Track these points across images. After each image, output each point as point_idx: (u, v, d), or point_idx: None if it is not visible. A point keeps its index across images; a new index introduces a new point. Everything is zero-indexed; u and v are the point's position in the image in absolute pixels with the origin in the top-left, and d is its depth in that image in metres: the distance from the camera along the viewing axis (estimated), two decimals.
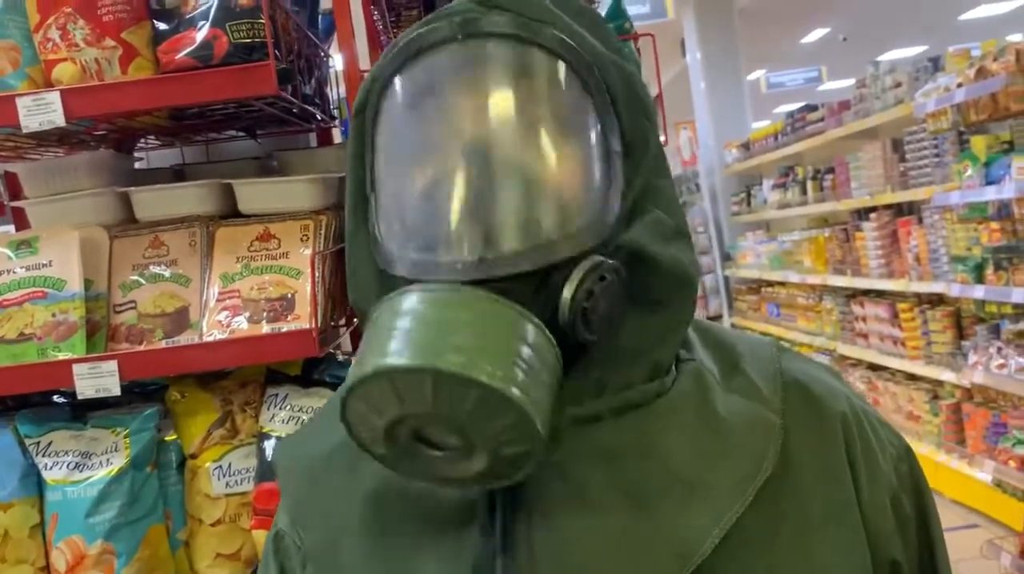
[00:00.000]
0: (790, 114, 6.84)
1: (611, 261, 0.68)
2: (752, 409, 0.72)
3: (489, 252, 0.65)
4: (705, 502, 0.67)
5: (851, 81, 5.97)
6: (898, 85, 5.03)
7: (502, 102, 0.69)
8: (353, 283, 0.76)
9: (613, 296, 0.67)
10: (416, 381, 0.60)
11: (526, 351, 0.62)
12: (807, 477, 0.71)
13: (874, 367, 5.64)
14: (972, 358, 4.24)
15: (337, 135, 2.09)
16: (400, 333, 0.61)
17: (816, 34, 11.48)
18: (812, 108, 6.49)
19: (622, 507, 0.67)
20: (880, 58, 7.85)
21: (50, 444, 1.45)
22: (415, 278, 0.67)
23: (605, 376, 0.70)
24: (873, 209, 5.44)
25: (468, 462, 0.63)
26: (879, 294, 5.57)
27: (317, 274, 1.45)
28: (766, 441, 0.71)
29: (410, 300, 0.63)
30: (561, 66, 0.71)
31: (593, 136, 0.71)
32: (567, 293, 0.66)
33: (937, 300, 4.91)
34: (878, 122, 5.19)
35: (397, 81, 0.72)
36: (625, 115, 0.72)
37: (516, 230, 0.66)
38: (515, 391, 0.60)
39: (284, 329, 1.42)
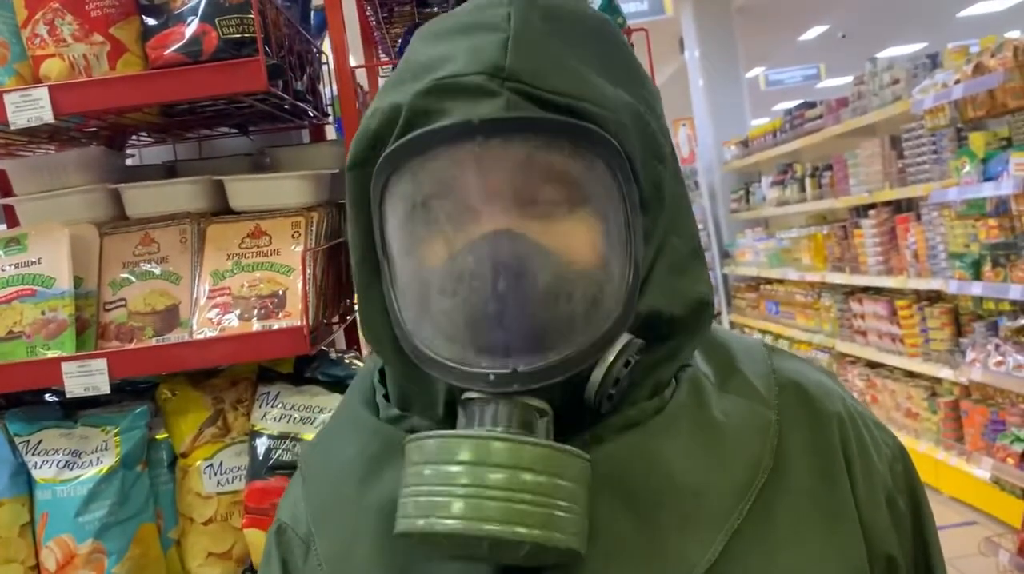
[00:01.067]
0: (788, 111, 6.83)
1: (636, 340, 0.69)
2: (749, 408, 0.74)
3: (522, 363, 0.66)
4: (707, 507, 0.69)
5: (850, 78, 5.96)
6: (896, 82, 5.02)
7: (530, 202, 0.68)
8: (370, 335, 0.76)
9: (635, 371, 0.69)
10: (474, 541, 0.63)
11: (570, 489, 0.64)
12: (803, 475, 0.72)
13: (872, 364, 5.63)
14: (970, 355, 4.23)
15: (330, 131, 2.08)
16: (436, 490, 0.63)
17: (815, 31, 11.46)
18: (810, 105, 6.48)
19: (628, 522, 0.68)
20: (879, 55, 7.84)
21: (40, 443, 1.44)
22: (443, 378, 0.68)
23: (615, 407, 0.71)
24: (871, 206, 5.43)
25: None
26: (877, 291, 5.57)
27: (308, 271, 1.44)
28: (763, 441, 0.72)
29: (438, 446, 0.65)
30: (589, 155, 0.68)
31: (619, 219, 0.70)
32: (594, 381, 0.68)
33: (935, 297, 4.91)
34: (876, 119, 5.18)
35: (415, 168, 0.69)
36: (642, 171, 0.71)
37: (547, 340, 0.66)
38: (560, 537, 0.63)
39: (275, 326, 1.41)
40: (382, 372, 0.82)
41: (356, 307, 1.91)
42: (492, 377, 0.65)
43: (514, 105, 0.65)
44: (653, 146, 0.72)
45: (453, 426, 0.69)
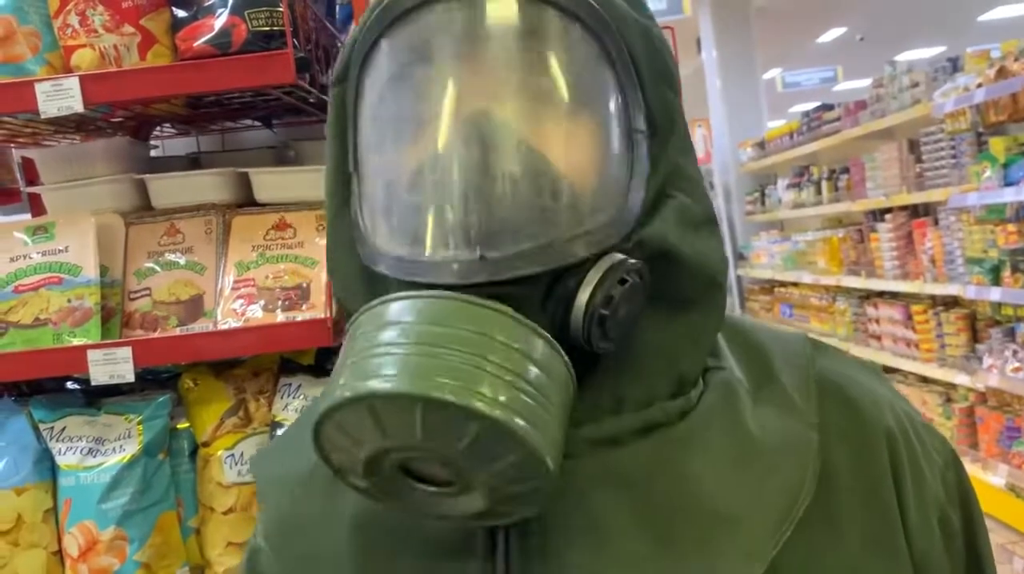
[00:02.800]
0: (806, 113, 6.80)
1: (633, 260, 0.59)
2: (787, 425, 0.64)
3: (490, 250, 0.56)
4: (739, 538, 0.59)
5: (867, 81, 5.93)
6: (915, 85, 4.99)
7: (506, 72, 0.59)
8: (337, 278, 0.67)
9: (634, 300, 0.59)
10: (401, 410, 0.51)
11: (533, 371, 0.53)
12: (847, 500, 0.63)
13: (887, 369, 5.60)
14: (987, 361, 4.21)
15: None
16: (382, 351, 0.52)
17: (832, 33, 11.42)
18: (828, 107, 6.45)
19: (645, 541, 0.59)
20: (897, 58, 7.80)
21: (64, 429, 1.45)
22: (403, 279, 0.59)
23: (624, 390, 0.62)
24: (888, 210, 5.40)
25: (464, 499, 0.56)
26: (893, 295, 5.54)
27: None
28: (803, 464, 0.63)
29: (395, 310, 0.54)
30: (576, 27, 0.61)
31: (614, 113, 0.62)
32: (582, 298, 0.57)
33: (952, 302, 4.88)
34: (895, 122, 5.15)
35: (381, 46, 0.62)
36: (650, 86, 0.63)
37: (523, 225, 0.57)
38: (519, 422, 0.51)
39: (299, 318, 1.42)
40: None
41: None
42: (456, 266, 0.56)
43: None
44: (663, 67, 0.64)
45: None
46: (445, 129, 0.59)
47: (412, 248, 0.59)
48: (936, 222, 4.83)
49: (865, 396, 0.68)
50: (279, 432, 1.47)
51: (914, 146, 5.04)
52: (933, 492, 0.67)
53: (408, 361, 0.51)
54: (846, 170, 6.04)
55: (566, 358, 0.56)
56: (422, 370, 0.51)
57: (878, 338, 5.56)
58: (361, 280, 0.64)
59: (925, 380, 5.17)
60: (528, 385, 0.53)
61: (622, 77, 0.61)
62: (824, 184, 6.39)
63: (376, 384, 0.51)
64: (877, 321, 5.57)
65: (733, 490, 0.61)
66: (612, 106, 0.62)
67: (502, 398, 0.51)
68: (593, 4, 0.61)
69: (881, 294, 5.68)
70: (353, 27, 0.68)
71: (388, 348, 0.52)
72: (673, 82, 0.65)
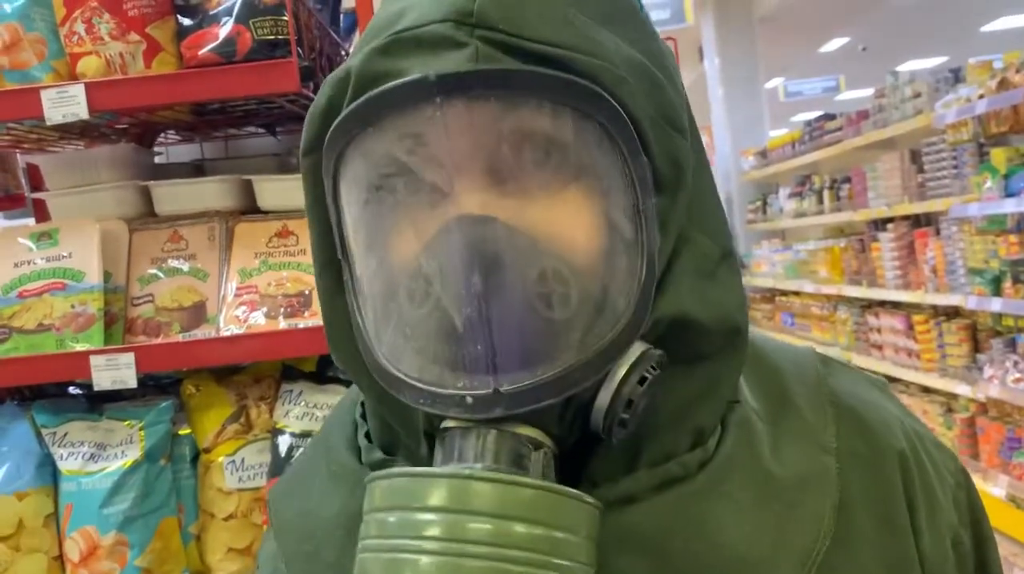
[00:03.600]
0: (808, 123, 6.82)
1: (653, 351, 0.56)
2: (806, 456, 0.63)
3: (506, 383, 0.53)
4: None
5: (869, 91, 5.95)
6: (918, 95, 5.01)
7: (508, 179, 0.54)
8: (338, 355, 0.64)
9: (655, 388, 0.56)
10: None
11: (571, 544, 0.51)
12: (865, 527, 0.62)
13: (888, 379, 5.60)
14: (988, 372, 4.21)
15: None
16: (402, 544, 0.51)
17: (835, 43, 11.44)
18: (830, 117, 6.47)
19: None
20: (899, 68, 7.81)
21: (66, 435, 1.46)
22: (413, 405, 0.56)
23: (641, 448, 0.59)
24: (890, 220, 5.41)
25: None
26: (895, 305, 5.54)
27: None
28: (823, 496, 0.61)
29: (406, 488, 0.52)
30: (579, 116, 0.55)
31: (625, 198, 0.56)
32: (602, 403, 0.55)
33: (953, 313, 4.88)
34: (896, 132, 5.16)
35: (366, 141, 0.56)
36: (654, 142, 0.57)
37: (539, 353, 0.53)
38: None
39: (301, 325, 1.42)
40: (364, 404, 0.69)
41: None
42: (470, 399, 0.53)
43: (485, 57, 0.53)
44: (667, 110, 0.58)
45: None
46: (447, 249, 0.54)
47: (417, 372, 0.55)
48: (938, 232, 4.84)
49: (878, 418, 0.66)
50: (280, 439, 1.48)
51: (916, 156, 5.05)
52: (946, 515, 0.66)
53: (437, 564, 0.50)
54: (848, 179, 6.05)
55: (592, 502, 0.53)
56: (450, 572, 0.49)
57: (879, 348, 5.56)
58: (364, 366, 0.60)
59: (926, 390, 5.17)
60: (554, 557, 0.51)
61: (627, 150, 0.56)
62: (826, 193, 6.40)
63: None
64: (878, 330, 5.57)
65: (756, 533, 0.59)
66: (620, 192, 0.56)
67: None
68: (586, 85, 0.54)
69: (882, 304, 5.68)
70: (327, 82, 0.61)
71: (410, 542, 0.50)
72: (677, 118, 0.59)
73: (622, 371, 0.55)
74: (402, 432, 0.62)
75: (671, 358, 0.58)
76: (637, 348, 0.56)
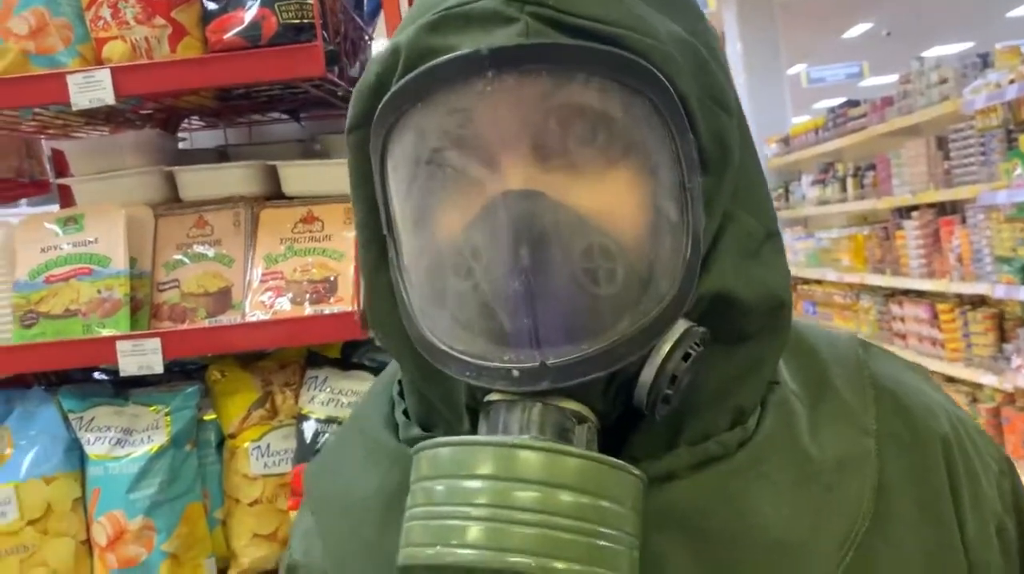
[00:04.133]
0: (831, 109, 6.74)
1: (697, 328, 0.56)
2: (845, 438, 0.63)
3: (552, 356, 0.53)
4: (802, 566, 0.58)
5: (893, 77, 5.87)
6: (944, 81, 4.93)
7: (558, 154, 0.55)
8: (380, 331, 0.64)
9: (698, 364, 0.56)
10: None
11: (617, 513, 0.52)
12: (906, 512, 0.62)
13: None
14: (1015, 361, 4.16)
15: None
16: (450, 511, 0.51)
17: (858, 29, 11.31)
18: (854, 104, 6.39)
19: None
20: (924, 54, 7.72)
21: (93, 419, 1.46)
22: (456, 376, 0.57)
23: (681, 426, 0.59)
24: (914, 207, 5.34)
25: None
26: (919, 294, 5.49)
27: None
28: (862, 479, 0.61)
29: (453, 456, 0.52)
30: (630, 92, 0.55)
31: (672, 176, 0.56)
32: (646, 379, 0.55)
33: (979, 302, 4.82)
34: (922, 119, 5.09)
35: (416, 116, 0.57)
36: (702, 120, 0.57)
37: (585, 327, 0.54)
38: (599, 572, 0.51)
39: (326, 311, 1.42)
40: (402, 382, 0.69)
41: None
42: (516, 373, 0.53)
43: (535, 32, 0.53)
44: (714, 90, 0.58)
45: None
46: (497, 222, 0.54)
47: (463, 345, 0.56)
48: (964, 220, 4.77)
49: (919, 402, 0.66)
50: (305, 425, 1.47)
51: (942, 143, 4.98)
52: (990, 501, 0.65)
53: (486, 530, 0.50)
54: (872, 167, 5.98)
55: (638, 473, 0.54)
56: (500, 540, 0.50)
57: (903, 337, 5.51)
58: (408, 338, 0.61)
59: (951, 380, 5.12)
60: (602, 526, 0.51)
61: (675, 128, 0.56)
62: (849, 181, 6.33)
63: (458, 554, 0.50)
64: (902, 320, 5.51)
65: (794, 516, 0.59)
66: (667, 169, 0.56)
67: (581, 554, 0.50)
68: (635, 60, 0.54)
69: (906, 293, 5.62)
70: (372, 54, 0.61)
71: (462, 507, 0.51)
72: (723, 96, 0.60)
73: (667, 347, 0.55)
74: (443, 407, 0.62)
75: (714, 336, 0.58)
76: (681, 325, 0.56)
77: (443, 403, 0.62)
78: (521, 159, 0.55)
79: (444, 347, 0.57)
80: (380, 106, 0.57)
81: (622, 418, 0.58)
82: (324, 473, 0.73)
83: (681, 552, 0.57)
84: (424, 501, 0.52)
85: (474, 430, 0.58)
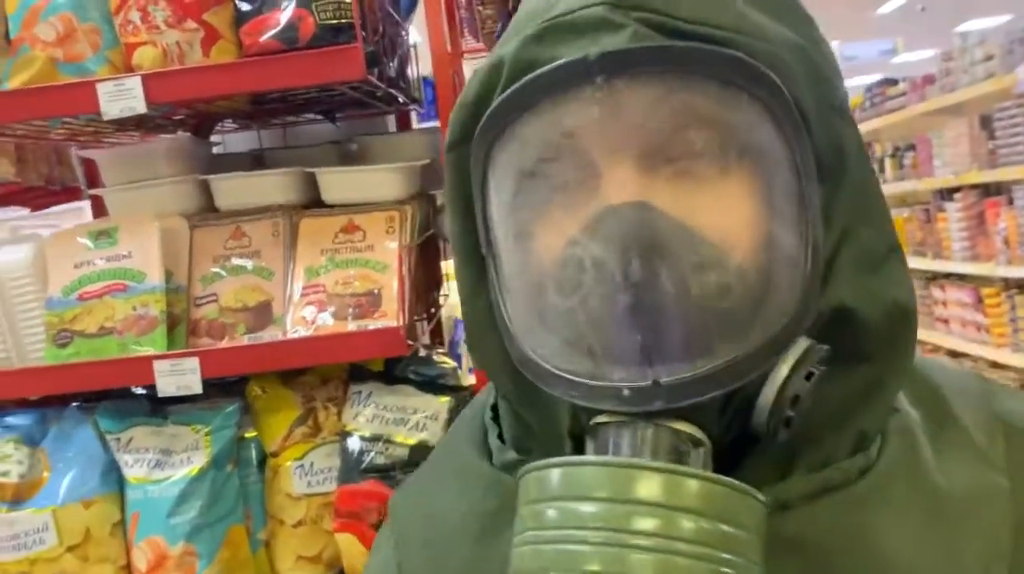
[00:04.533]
0: (868, 88, 6.58)
1: (819, 345, 0.53)
2: (976, 472, 0.59)
3: (665, 374, 0.50)
4: None
5: (928, 53, 5.71)
6: (989, 58, 4.77)
7: (669, 163, 0.53)
8: (478, 354, 0.63)
9: (820, 387, 0.53)
10: None
11: (740, 539, 0.49)
12: None
13: (955, 354, 5.42)
14: None
15: (415, 118, 2.01)
16: (564, 535, 0.49)
17: (893, 3, 11.05)
18: (892, 82, 6.23)
19: None
20: (960, 28, 7.50)
21: (131, 440, 1.41)
22: (563, 398, 0.54)
23: (796, 450, 0.56)
24: (956, 189, 5.20)
25: None
26: (961, 278, 5.35)
27: (404, 269, 1.37)
28: (997, 515, 0.57)
29: (564, 478, 0.49)
30: (743, 96, 0.53)
31: (789, 185, 0.54)
32: (766, 399, 0.52)
33: None
34: (966, 97, 4.94)
35: (522, 126, 0.55)
36: (817, 127, 0.55)
37: (699, 344, 0.51)
38: None
39: (370, 326, 1.35)
40: (495, 408, 0.68)
41: (441, 302, 1.86)
42: (627, 392, 0.51)
43: (644, 38, 0.52)
44: (829, 94, 0.56)
45: None
46: (606, 235, 0.52)
47: (569, 365, 0.53)
48: (1011, 201, 4.63)
49: None
50: (349, 442, 1.41)
51: (986, 122, 4.82)
52: None
53: (602, 555, 0.47)
54: (912, 147, 5.83)
55: (762, 498, 0.50)
56: (617, 565, 0.47)
57: (945, 322, 5.38)
58: (506, 360, 0.58)
59: (997, 366, 4.99)
60: (723, 551, 0.48)
61: (791, 136, 0.53)
62: (888, 162, 6.18)
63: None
64: (944, 304, 5.38)
65: (923, 549, 0.55)
66: (783, 177, 0.54)
67: None
68: (750, 63, 0.52)
69: (948, 276, 5.49)
70: (474, 77, 0.59)
71: (571, 533, 0.48)
72: (839, 103, 0.57)
73: (787, 366, 0.52)
74: (543, 433, 0.60)
75: (833, 354, 0.54)
76: (803, 343, 0.53)
77: (543, 428, 0.60)
78: (631, 169, 0.53)
79: (549, 367, 0.54)
80: (483, 119, 0.55)
81: (735, 441, 0.55)
82: (409, 502, 0.71)
83: None
84: (535, 525, 0.50)
85: (579, 454, 0.56)
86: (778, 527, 0.53)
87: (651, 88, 0.52)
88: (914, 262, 5.65)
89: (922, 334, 5.68)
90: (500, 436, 0.66)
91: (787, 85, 0.53)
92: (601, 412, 0.53)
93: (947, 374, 0.66)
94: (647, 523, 0.47)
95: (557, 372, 0.54)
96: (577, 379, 0.53)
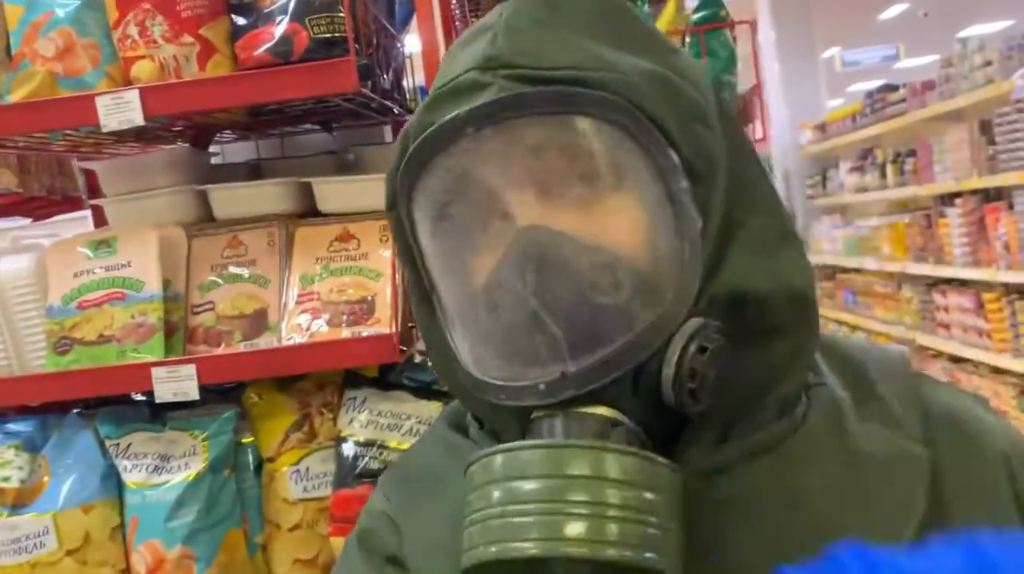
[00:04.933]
0: (869, 94, 6.59)
1: (711, 322, 0.60)
2: (894, 440, 0.65)
3: (571, 365, 0.59)
4: None
5: (930, 58, 5.73)
6: (988, 64, 4.78)
7: (545, 189, 0.62)
8: (442, 377, 0.72)
9: (718, 360, 0.60)
10: (541, 567, 0.55)
11: (660, 503, 0.56)
12: (963, 521, 0.63)
13: (956, 359, 5.42)
14: None
15: None
16: (508, 510, 0.56)
17: (895, 9, 11.07)
18: (892, 88, 6.23)
19: (764, 565, 0.58)
20: (962, 34, 7.51)
21: (129, 446, 1.44)
22: (500, 404, 0.62)
23: (728, 421, 0.64)
24: (957, 194, 5.21)
25: None
26: (962, 283, 5.35)
27: (397, 277, 1.40)
28: (914, 479, 0.64)
29: (504, 462, 0.57)
30: (596, 122, 0.61)
31: (656, 189, 0.62)
32: (667, 376, 0.59)
33: None
34: (966, 103, 4.95)
35: (424, 182, 0.65)
36: (679, 137, 0.62)
37: (597, 332, 0.59)
38: (655, 558, 0.55)
39: (364, 333, 1.38)
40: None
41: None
42: (542, 386, 0.59)
43: (506, 89, 0.61)
44: (690, 108, 0.63)
45: None
46: (505, 255, 0.61)
47: (498, 372, 0.62)
48: (1011, 207, 4.64)
49: (975, 422, 0.68)
50: (344, 447, 1.44)
51: (986, 127, 4.83)
52: None
53: (542, 524, 0.55)
54: (912, 153, 5.84)
55: (669, 464, 0.58)
56: (554, 530, 0.54)
57: (946, 327, 5.38)
58: (466, 387, 0.66)
59: (998, 371, 4.99)
60: (648, 514, 0.55)
61: (651, 147, 0.61)
62: (889, 167, 6.18)
63: (513, 548, 0.55)
64: (945, 309, 5.38)
65: (843, 502, 0.62)
66: (650, 183, 0.62)
67: (630, 539, 0.54)
68: (599, 94, 0.60)
69: (949, 282, 5.49)
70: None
71: (512, 506, 0.56)
72: (702, 115, 0.64)
73: (680, 342, 0.59)
74: (505, 432, 0.68)
75: (744, 333, 0.61)
76: (694, 322, 0.60)
77: (505, 431, 0.67)
78: (515, 199, 0.62)
79: (482, 377, 0.63)
80: (397, 180, 0.66)
81: (670, 424, 0.62)
82: (397, 469, 0.82)
83: (736, 536, 0.61)
84: (481, 505, 0.57)
85: None
86: (715, 489, 0.62)
87: (514, 130, 0.61)
88: (915, 267, 5.66)
89: (923, 340, 5.68)
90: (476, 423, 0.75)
91: (641, 105, 0.61)
92: (530, 409, 0.61)
93: (873, 355, 0.73)
94: (578, 494, 0.54)
95: (488, 380, 0.62)
96: (502, 383, 0.61)
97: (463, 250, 0.64)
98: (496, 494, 0.56)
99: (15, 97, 1.33)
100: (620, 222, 0.61)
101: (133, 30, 1.32)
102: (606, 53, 0.63)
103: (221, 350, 1.42)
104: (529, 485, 0.55)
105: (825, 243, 7.52)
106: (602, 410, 0.59)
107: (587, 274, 0.60)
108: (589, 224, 0.61)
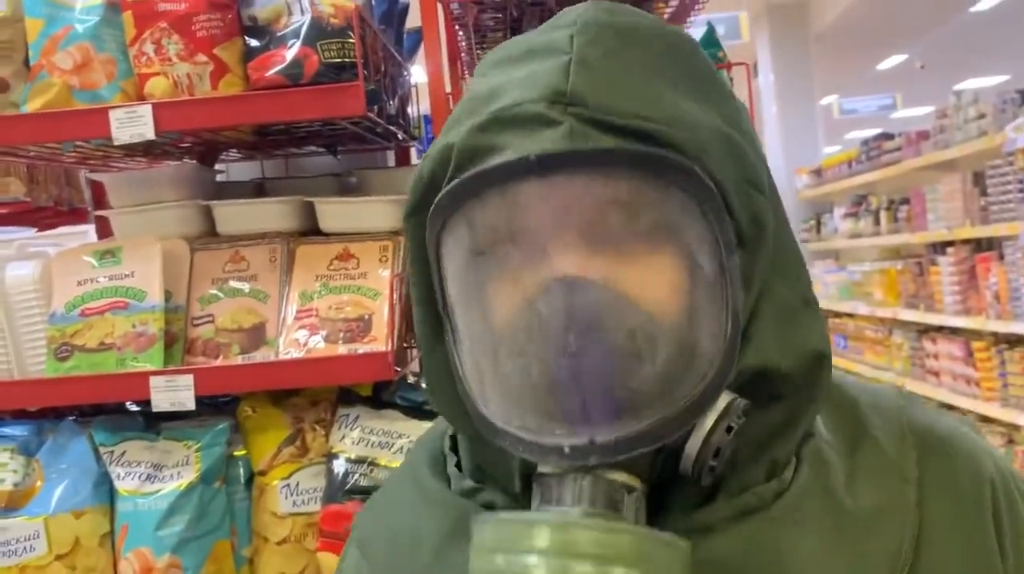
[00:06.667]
0: (865, 142, 6.68)
1: (740, 401, 0.59)
2: (884, 488, 0.65)
3: (602, 433, 0.56)
4: None
5: (926, 109, 5.83)
6: (982, 116, 4.87)
7: (602, 245, 0.59)
8: (438, 402, 0.68)
9: (742, 434, 0.60)
10: None
11: None
12: (948, 553, 0.64)
13: (945, 406, 5.45)
14: None
15: (415, 155, 2.08)
16: None
17: (892, 60, 11.24)
18: (888, 137, 6.32)
19: None
20: (958, 86, 7.63)
21: (123, 454, 1.46)
22: (512, 452, 0.60)
23: (718, 480, 0.62)
24: (949, 243, 5.27)
25: None
26: (953, 331, 5.39)
27: (395, 297, 1.43)
28: (901, 527, 0.63)
29: (531, 534, 0.55)
30: (667, 186, 0.58)
31: (711, 260, 0.59)
32: (691, 451, 0.58)
33: (1016, 340, 4.73)
34: (959, 154, 5.03)
35: (470, 210, 0.61)
36: (737, 203, 0.60)
37: (631, 407, 0.57)
38: None
39: (360, 350, 1.40)
40: (453, 438, 0.74)
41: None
42: (567, 449, 0.56)
43: (578, 133, 0.57)
44: (748, 172, 0.62)
45: (530, 504, 0.61)
46: (547, 310, 0.58)
47: (519, 422, 0.59)
48: (1002, 257, 4.70)
49: (962, 445, 0.69)
50: (335, 464, 1.46)
51: (979, 178, 4.91)
52: None
53: None
54: (906, 201, 5.91)
55: (685, 545, 0.56)
56: None
57: (936, 374, 5.41)
58: (464, 414, 0.64)
59: (986, 420, 5.01)
60: None
61: (712, 214, 0.59)
62: (883, 214, 6.26)
63: None
64: (935, 357, 5.42)
65: (831, 562, 0.61)
66: (707, 253, 0.59)
67: None
68: (674, 158, 0.58)
69: (940, 329, 5.53)
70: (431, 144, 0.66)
71: None
72: (757, 179, 0.62)
73: (710, 422, 0.58)
74: (496, 469, 0.67)
75: (756, 400, 0.61)
76: (724, 398, 0.59)
77: (497, 469, 0.66)
78: (567, 250, 0.59)
79: (499, 424, 0.60)
80: (436, 200, 0.61)
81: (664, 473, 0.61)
82: (374, 516, 0.77)
83: None
84: (486, 572, 0.56)
85: (527, 491, 0.62)
86: (702, 549, 0.59)
87: (583, 183, 0.58)
88: (906, 314, 5.70)
89: (912, 386, 5.71)
90: (458, 465, 0.73)
91: (709, 169, 0.59)
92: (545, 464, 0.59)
93: (867, 393, 0.72)
94: (584, 573, 0.53)
95: (506, 429, 0.60)
96: (523, 436, 0.59)
97: (499, 289, 0.61)
98: (500, 562, 0.55)
99: (31, 107, 1.37)
100: (672, 290, 0.59)
101: (149, 47, 1.36)
102: (676, 100, 0.60)
103: (219, 362, 1.45)
104: (534, 559, 0.54)
105: (818, 287, 7.57)
106: (619, 476, 0.58)
107: (631, 341, 0.57)
108: (640, 288, 0.58)
